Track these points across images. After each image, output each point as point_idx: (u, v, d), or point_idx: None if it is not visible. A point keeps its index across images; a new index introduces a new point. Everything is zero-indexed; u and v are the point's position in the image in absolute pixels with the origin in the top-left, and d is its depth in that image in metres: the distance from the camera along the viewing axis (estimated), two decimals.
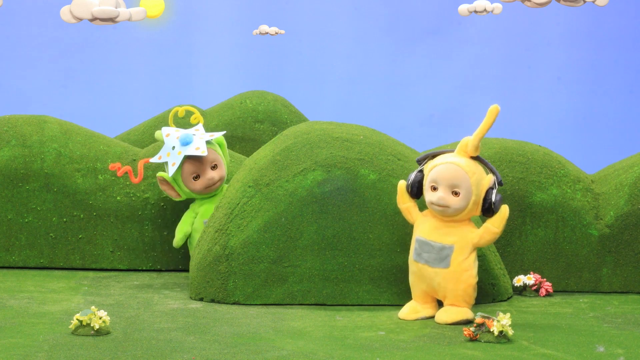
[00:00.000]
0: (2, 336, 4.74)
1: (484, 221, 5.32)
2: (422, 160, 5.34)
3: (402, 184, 5.35)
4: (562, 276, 6.06)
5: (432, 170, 5.20)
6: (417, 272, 5.26)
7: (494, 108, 5.12)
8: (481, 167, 5.22)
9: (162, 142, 6.39)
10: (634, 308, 5.62)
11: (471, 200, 5.13)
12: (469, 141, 5.19)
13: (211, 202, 6.36)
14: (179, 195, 6.35)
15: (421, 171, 5.30)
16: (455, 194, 5.13)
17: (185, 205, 6.60)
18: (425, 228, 5.24)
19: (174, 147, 6.26)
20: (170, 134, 6.33)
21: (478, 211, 5.20)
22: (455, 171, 5.12)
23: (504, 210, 5.17)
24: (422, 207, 5.41)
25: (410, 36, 11.84)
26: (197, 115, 6.61)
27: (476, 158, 5.22)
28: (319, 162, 5.67)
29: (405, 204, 5.35)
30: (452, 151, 5.27)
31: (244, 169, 5.94)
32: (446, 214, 5.19)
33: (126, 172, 6.39)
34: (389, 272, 5.54)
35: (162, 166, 6.51)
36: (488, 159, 6.19)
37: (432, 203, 5.18)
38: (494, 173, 5.20)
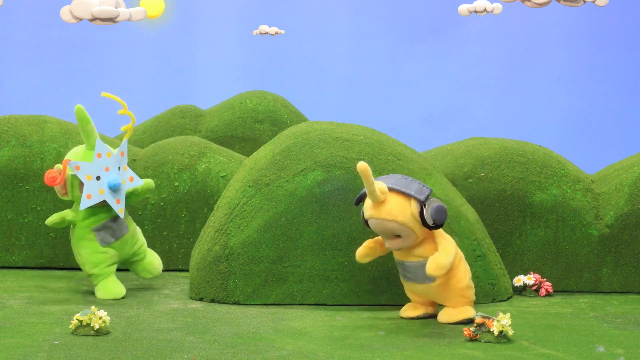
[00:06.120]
0: (2, 336, 4.74)
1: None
2: (358, 202, 5.25)
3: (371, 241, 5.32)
4: (562, 276, 6.06)
5: (369, 222, 5.17)
6: (410, 288, 5.31)
7: (361, 166, 4.90)
8: (400, 198, 5.07)
9: (82, 119, 5.74)
10: (634, 308, 5.62)
11: (414, 231, 5.09)
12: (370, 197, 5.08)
13: (97, 212, 5.89)
14: (67, 194, 5.80)
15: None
16: (397, 236, 5.15)
17: (187, 206, 6.62)
18: (398, 251, 5.25)
19: (98, 178, 5.70)
20: (102, 155, 5.74)
21: (426, 231, 5.16)
22: (382, 224, 5.10)
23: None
24: None
25: (410, 36, 11.86)
26: (129, 128, 6.01)
27: (391, 190, 5.10)
28: (319, 162, 5.67)
29: (369, 244, 5.32)
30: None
31: (244, 169, 5.94)
32: (406, 248, 5.19)
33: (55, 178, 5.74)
34: (389, 272, 5.53)
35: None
36: (488, 159, 6.19)
37: (388, 247, 5.20)
38: (413, 196, 5.07)
